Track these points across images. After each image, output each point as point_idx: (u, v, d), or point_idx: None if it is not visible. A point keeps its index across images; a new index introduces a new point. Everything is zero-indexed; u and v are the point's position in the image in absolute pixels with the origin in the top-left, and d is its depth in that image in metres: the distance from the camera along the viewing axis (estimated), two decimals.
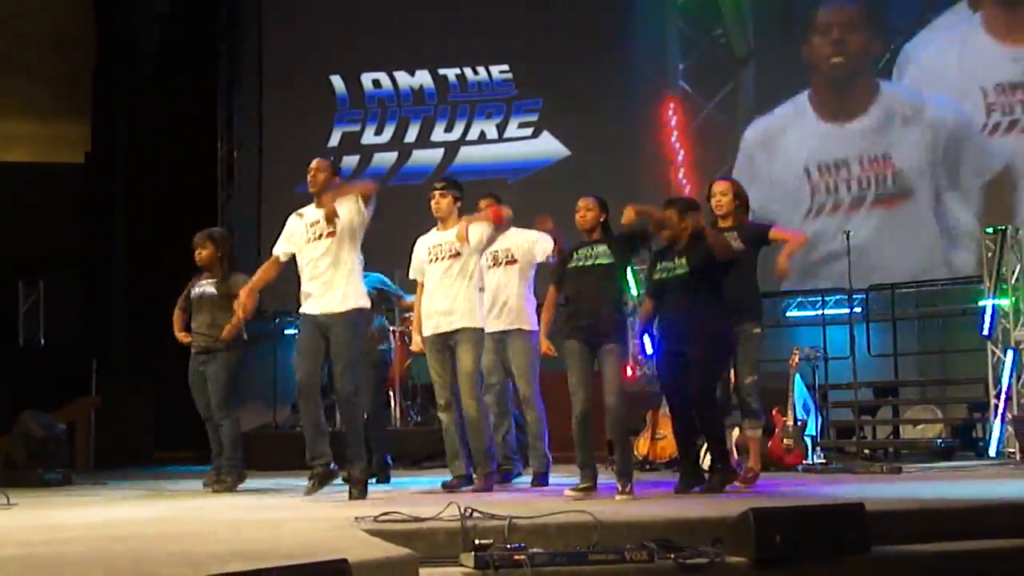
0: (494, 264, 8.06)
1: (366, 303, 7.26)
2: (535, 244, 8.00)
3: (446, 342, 7.54)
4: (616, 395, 6.70)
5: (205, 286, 8.32)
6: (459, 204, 7.70)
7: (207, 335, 8.22)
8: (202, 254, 8.36)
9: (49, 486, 8.86)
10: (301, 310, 7.27)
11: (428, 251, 7.62)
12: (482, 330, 7.58)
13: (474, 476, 7.52)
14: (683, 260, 6.93)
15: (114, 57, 16.01)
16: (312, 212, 7.30)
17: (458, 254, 7.51)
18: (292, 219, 7.41)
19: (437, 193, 7.64)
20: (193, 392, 8.30)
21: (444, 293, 7.51)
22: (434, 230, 7.72)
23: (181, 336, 8.37)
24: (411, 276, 7.75)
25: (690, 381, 6.90)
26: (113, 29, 16.09)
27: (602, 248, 6.88)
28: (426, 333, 7.60)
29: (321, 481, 7.06)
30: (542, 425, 7.97)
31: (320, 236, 7.17)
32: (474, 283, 7.58)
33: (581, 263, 6.92)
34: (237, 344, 8.23)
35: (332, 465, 7.10)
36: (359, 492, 6.98)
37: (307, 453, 7.12)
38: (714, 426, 7.03)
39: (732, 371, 7.29)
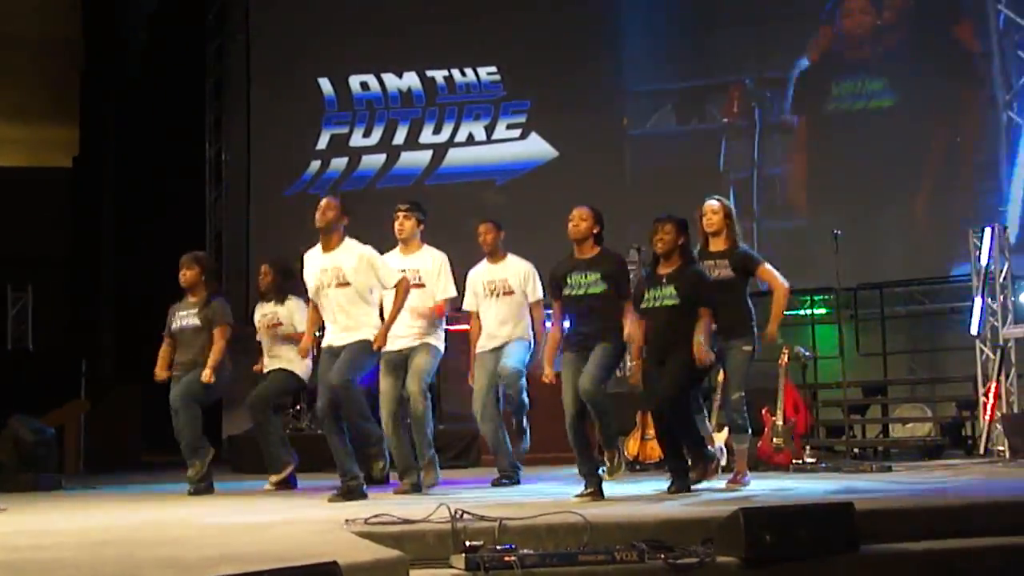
0: (490, 294, 8.12)
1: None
2: (528, 282, 8.11)
3: (403, 358, 7.59)
4: (593, 378, 6.64)
5: (186, 318, 8.29)
6: (422, 227, 7.74)
7: (191, 359, 8.20)
8: (187, 275, 8.32)
9: (39, 490, 8.83)
10: (323, 343, 7.45)
11: None
12: (439, 348, 7.66)
13: (420, 471, 7.55)
14: (671, 289, 6.88)
15: (102, 60, 15.98)
16: (320, 257, 7.34)
17: (422, 285, 7.58)
18: (307, 262, 7.46)
19: (401, 215, 7.65)
20: (173, 415, 8.19)
21: (405, 319, 7.51)
22: (398, 252, 7.72)
23: (162, 374, 8.30)
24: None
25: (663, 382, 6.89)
26: (101, 32, 16.06)
27: (594, 276, 6.83)
28: (384, 348, 7.52)
29: (347, 495, 7.06)
30: (524, 406, 8.11)
31: (333, 284, 7.26)
32: (434, 309, 7.64)
33: (574, 291, 6.88)
34: (220, 372, 8.18)
35: (364, 488, 7.12)
36: (381, 476, 7.24)
37: (339, 473, 7.21)
38: (684, 421, 6.95)
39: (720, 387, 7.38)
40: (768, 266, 7.36)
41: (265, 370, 8.68)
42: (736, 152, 12.99)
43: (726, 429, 7.68)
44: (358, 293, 7.24)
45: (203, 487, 8.07)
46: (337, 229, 7.30)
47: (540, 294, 8.10)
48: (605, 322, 6.82)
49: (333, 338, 7.30)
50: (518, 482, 8.06)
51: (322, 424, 7.35)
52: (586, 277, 6.85)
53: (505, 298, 8.10)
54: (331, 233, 7.29)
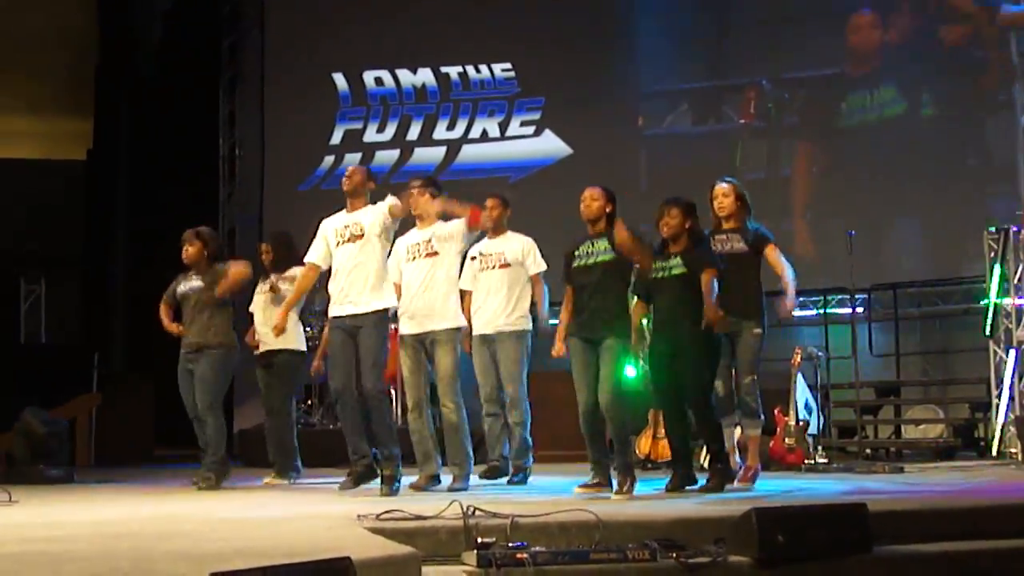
0: (484, 267, 8.02)
1: (391, 302, 7.34)
2: (528, 255, 8.00)
3: (422, 341, 7.45)
4: (610, 392, 6.62)
5: (192, 281, 8.26)
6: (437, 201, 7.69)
7: (197, 333, 8.18)
8: (189, 251, 8.29)
9: (50, 483, 8.85)
10: (330, 313, 7.40)
11: (407, 250, 7.53)
12: (459, 330, 7.49)
13: (451, 477, 7.45)
14: (678, 259, 6.90)
15: (117, 54, 16.03)
16: (340, 217, 7.45)
17: (436, 253, 7.44)
18: (324, 224, 7.52)
19: (415, 191, 7.56)
20: (181, 389, 8.21)
21: (422, 293, 7.41)
22: (413, 229, 7.63)
23: (172, 327, 8.29)
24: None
25: (682, 381, 6.89)
26: (116, 26, 16.11)
27: (602, 244, 6.80)
28: (403, 331, 7.50)
29: (358, 479, 7.08)
30: (526, 428, 7.90)
31: (348, 239, 7.30)
32: (453, 282, 7.51)
33: (583, 261, 6.86)
34: (228, 343, 8.20)
35: (373, 467, 7.12)
36: (389, 489, 6.99)
37: (349, 453, 7.24)
38: (711, 425, 6.99)
39: (733, 371, 7.31)
40: (776, 249, 7.30)
41: (261, 347, 8.61)
42: (751, 153, 12.97)
43: (738, 428, 7.68)
44: (371, 248, 7.23)
45: (207, 488, 8.02)
46: (362, 194, 7.43)
47: (542, 265, 7.98)
48: (612, 304, 6.76)
49: (342, 308, 7.26)
50: (504, 474, 7.94)
51: (337, 402, 7.34)
52: (594, 245, 6.83)
53: (500, 271, 7.97)
54: (356, 197, 7.41)
